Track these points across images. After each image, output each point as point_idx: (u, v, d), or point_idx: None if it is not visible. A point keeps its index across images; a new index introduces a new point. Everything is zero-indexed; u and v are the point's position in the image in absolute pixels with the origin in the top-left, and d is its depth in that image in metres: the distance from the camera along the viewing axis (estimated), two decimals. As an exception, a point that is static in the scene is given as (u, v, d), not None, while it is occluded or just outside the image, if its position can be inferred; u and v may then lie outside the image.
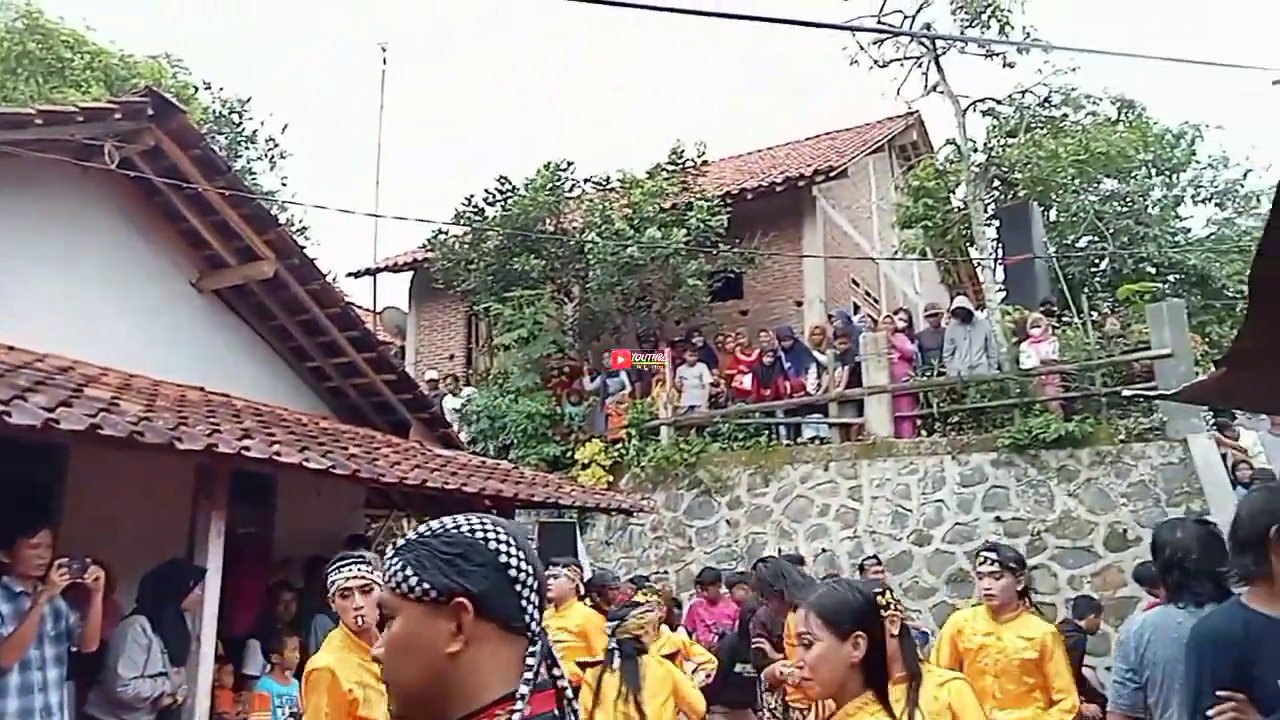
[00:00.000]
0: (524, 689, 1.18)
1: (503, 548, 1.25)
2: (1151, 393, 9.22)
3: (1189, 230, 18.13)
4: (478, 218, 13.91)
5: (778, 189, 14.03)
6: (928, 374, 11.18)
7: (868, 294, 16.31)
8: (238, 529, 6.43)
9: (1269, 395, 4.91)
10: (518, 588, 1.24)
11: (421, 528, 1.30)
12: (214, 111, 22.45)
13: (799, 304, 14.16)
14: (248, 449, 4.91)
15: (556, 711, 1.23)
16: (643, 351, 13.84)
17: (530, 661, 1.22)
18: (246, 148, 23.49)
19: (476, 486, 6.63)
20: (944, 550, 10.11)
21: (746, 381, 12.44)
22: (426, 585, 1.21)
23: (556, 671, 1.27)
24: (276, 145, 24.21)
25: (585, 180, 14.12)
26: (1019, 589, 4.14)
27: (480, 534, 1.26)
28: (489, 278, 13.63)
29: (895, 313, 12.65)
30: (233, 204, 7.39)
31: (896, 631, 3.20)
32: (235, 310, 8.16)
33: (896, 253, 16.05)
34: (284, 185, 24.62)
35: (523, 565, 1.25)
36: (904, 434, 11.03)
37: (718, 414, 12.32)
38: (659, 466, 11.96)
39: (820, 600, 2.30)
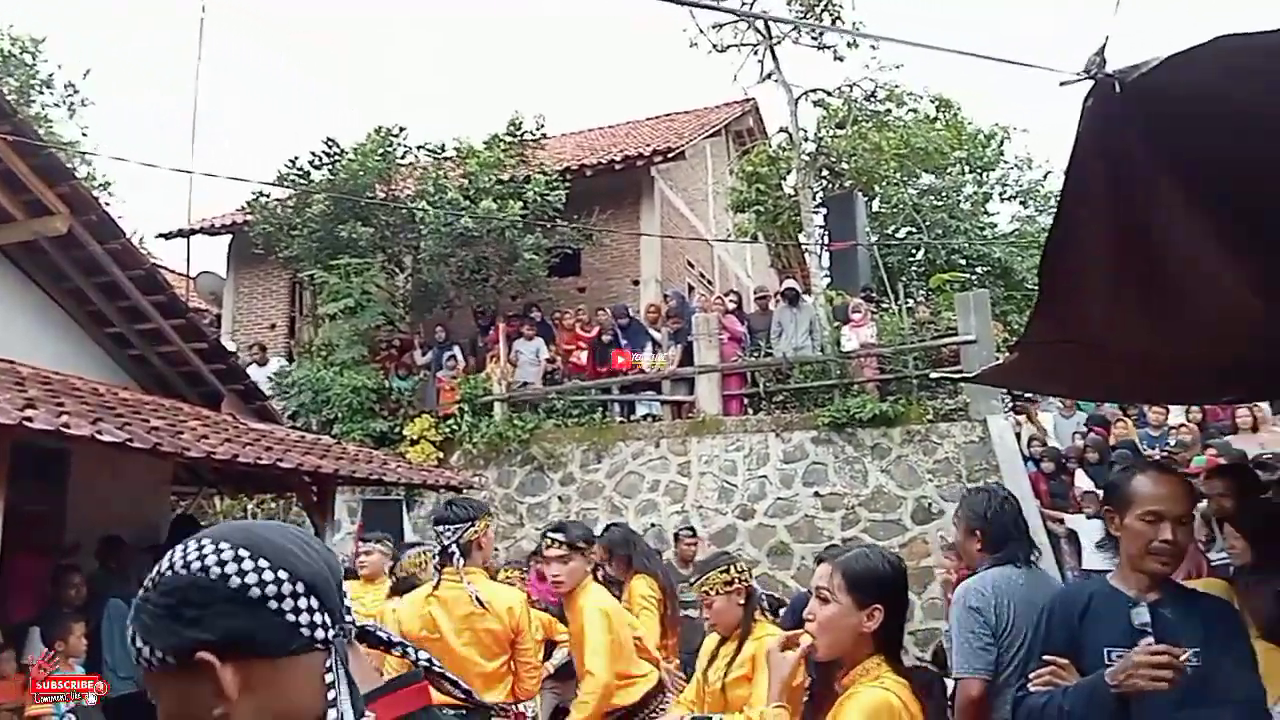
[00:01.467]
0: (332, 713, 0.99)
1: (232, 568, 1.00)
2: (956, 375, 9.87)
3: (996, 225, 19.54)
4: (303, 181, 13.23)
5: (617, 167, 14.08)
6: (756, 354, 11.54)
7: (702, 275, 16.66)
8: (23, 508, 5.87)
9: (1053, 379, 5.33)
10: (272, 605, 1.00)
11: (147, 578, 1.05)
12: (2, 51, 20.30)
13: (636, 283, 14.30)
14: (30, 420, 4.49)
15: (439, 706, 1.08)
16: (478, 326, 13.62)
17: (328, 678, 1.01)
18: (40, 92, 21.40)
19: (293, 462, 6.32)
20: (766, 524, 10.50)
21: (583, 358, 12.48)
22: (160, 653, 0.99)
23: (413, 653, 1.11)
24: (77, 91, 22.20)
25: (419, 148, 13.67)
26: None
27: (198, 564, 1.01)
28: (314, 244, 13.00)
29: (726, 294, 12.97)
30: (20, 152, 6.70)
31: (743, 601, 3.55)
32: (22, 269, 7.43)
33: (730, 236, 16.45)
34: (84, 136, 22.62)
35: (272, 576, 1.01)
36: (732, 412, 11.35)
37: (553, 390, 12.29)
38: (492, 443, 11.82)
39: (849, 562, 2.20)
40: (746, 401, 11.47)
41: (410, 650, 1.14)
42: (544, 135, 14.13)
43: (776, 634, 3.17)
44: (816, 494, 10.44)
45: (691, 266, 16.14)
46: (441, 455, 11.92)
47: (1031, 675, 2.40)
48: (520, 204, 12.38)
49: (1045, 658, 2.40)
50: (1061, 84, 1.92)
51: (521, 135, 13.65)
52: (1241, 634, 2.37)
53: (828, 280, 14.14)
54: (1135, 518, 2.35)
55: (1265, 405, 9.34)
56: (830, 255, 14.47)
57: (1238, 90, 1.87)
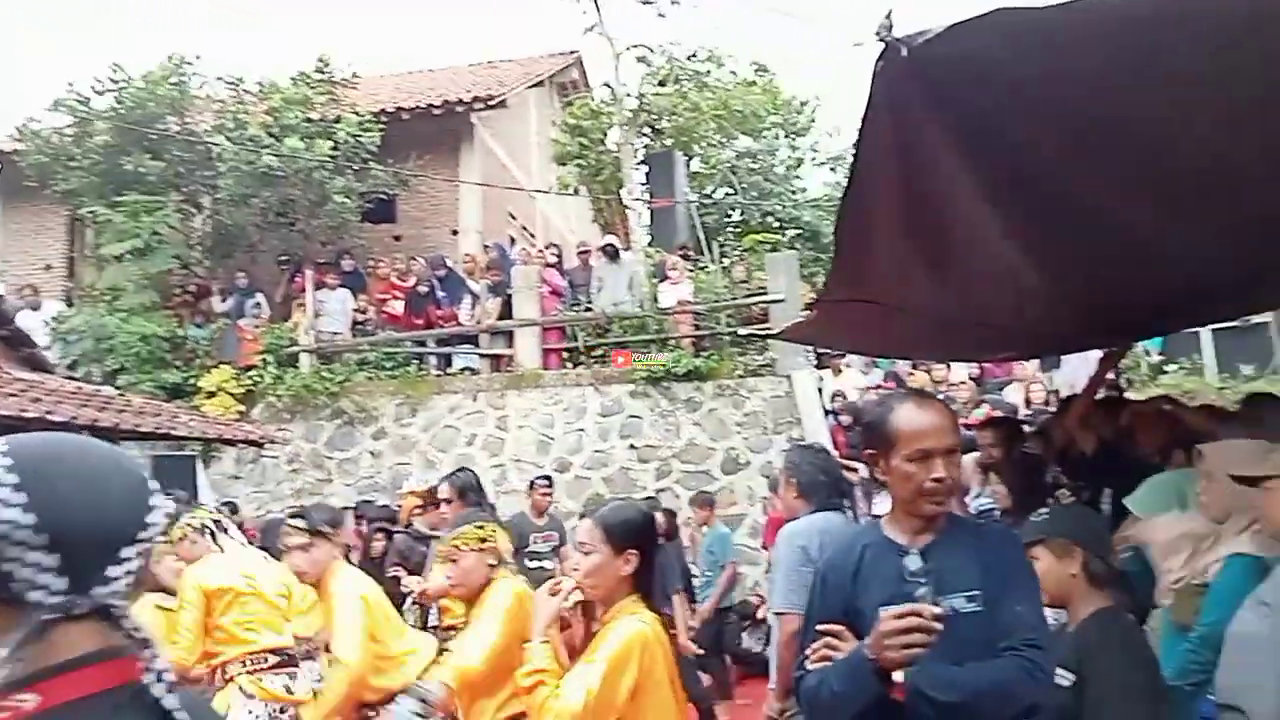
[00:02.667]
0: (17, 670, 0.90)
1: None
2: (764, 333, 10.27)
3: (806, 190, 20.28)
4: (83, 107, 12.00)
5: (436, 112, 13.61)
6: (576, 309, 11.55)
7: (524, 228, 16.45)
8: None
9: (850, 337, 5.64)
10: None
11: None
12: None
13: (455, 233, 13.95)
14: None
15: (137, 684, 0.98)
16: (284, 272, 12.90)
17: (16, 636, 0.92)
18: None
19: (65, 415, 5.79)
20: (582, 476, 10.62)
21: (398, 308, 12.09)
22: None
23: (129, 625, 1.01)
24: None
25: (218, 79, 12.68)
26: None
27: None
28: (96, 178, 11.85)
29: (547, 247, 12.89)
30: None
31: (493, 563, 3.36)
32: None
33: (552, 189, 16.31)
34: None
35: (13, 515, 0.93)
36: (551, 366, 11.35)
37: (365, 341, 11.85)
38: (298, 396, 11.29)
39: (605, 515, 2.47)
40: (565, 355, 11.49)
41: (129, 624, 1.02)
42: (356, 75, 13.44)
43: (517, 583, 3.35)
44: (632, 447, 10.63)
45: (513, 218, 15.90)
46: (243, 409, 11.28)
47: (808, 650, 2.13)
48: (330, 144, 11.76)
49: (819, 628, 2.13)
50: (855, 45, 1.99)
51: (330, 74, 12.91)
52: (1023, 562, 2.18)
53: (648, 237, 14.29)
54: (902, 459, 2.08)
55: (1034, 362, 10.27)
56: (651, 212, 14.63)
57: (1013, 62, 1.98)
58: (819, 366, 11.25)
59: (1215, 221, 2.71)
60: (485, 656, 3.03)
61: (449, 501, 4.86)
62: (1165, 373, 10.80)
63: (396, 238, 14.08)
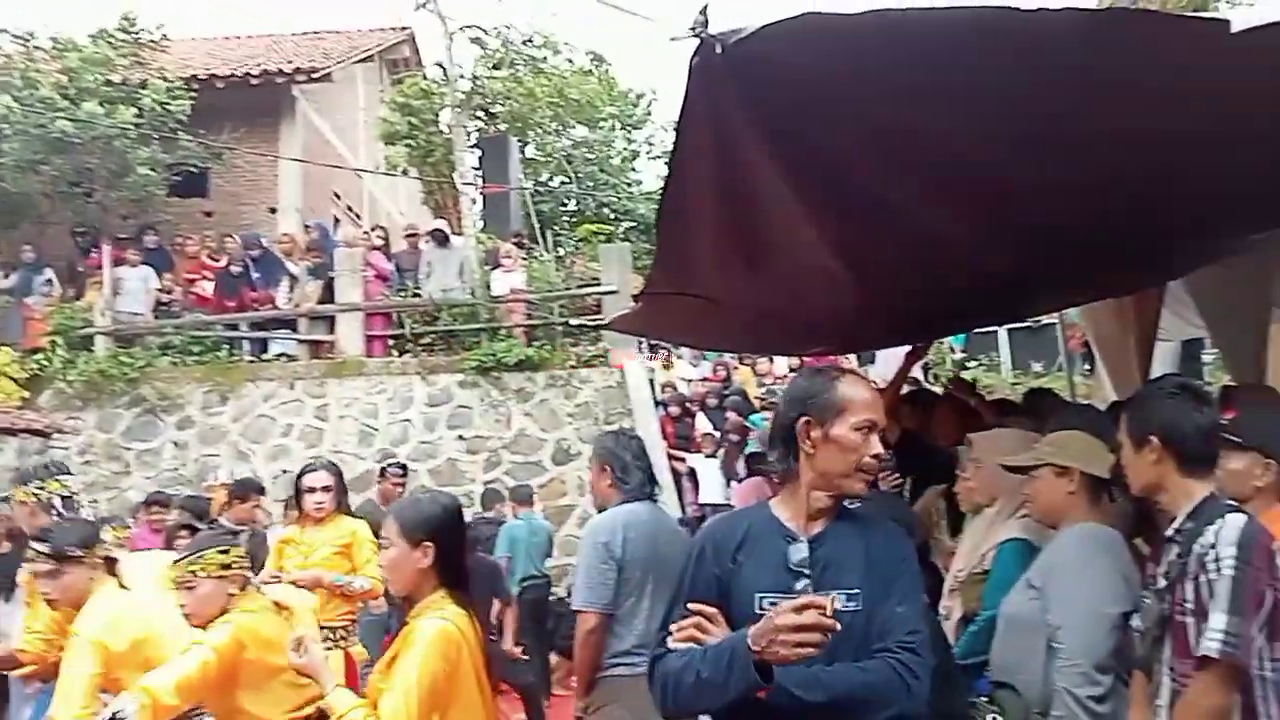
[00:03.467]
0: None
1: None
2: (596, 323, 10.31)
3: (641, 183, 20.56)
4: None
5: (254, 82, 12.88)
6: (403, 294, 11.20)
7: (350, 209, 15.81)
8: None
9: (677, 329, 5.71)
10: None
11: None
12: None
13: (273, 210, 13.24)
14: None
15: None
16: (78, 246, 11.85)
17: None
18: None
19: None
20: (408, 468, 10.31)
21: (208, 289, 11.34)
22: None
23: None
24: None
25: (3, 32, 11.50)
26: None
27: None
28: None
29: (373, 229, 12.42)
30: None
31: (235, 591, 3.01)
32: None
33: (379, 168, 15.76)
34: None
35: None
36: (375, 353, 10.95)
37: (170, 324, 11.06)
38: (92, 382, 10.40)
39: (401, 509, 2.54)
40: (391, 343, 11.12)
41: None
42: (165, 37, 12.49)
43: (264, 604, 3.08)
44: (461, 437, 10.42)
45: (338, 198, 15.25)
46: (27, 395, 10.28)
47: (673, 628, 1.99)
48: (134, 111, 10.88)
49: (690, 607, 1.99)
50: (671, 39, 1.98)
51: (136, 34, 11.94)
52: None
53: (480, 223, 14.05)
54: (850, 428, 2.00)
55: (853, 357, 10.79)
56: (483, 198, 14.38)
57: (823, 67, 2.03)
58: (651, 357, 11.41)
59: (1008, 230, 2.89)
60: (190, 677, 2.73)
61: (321, 489, 4.48)
62: (967, 368, 11.61)
63: (208, 214, 13.22)
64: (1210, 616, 2.05)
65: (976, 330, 11.41)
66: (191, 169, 12.12)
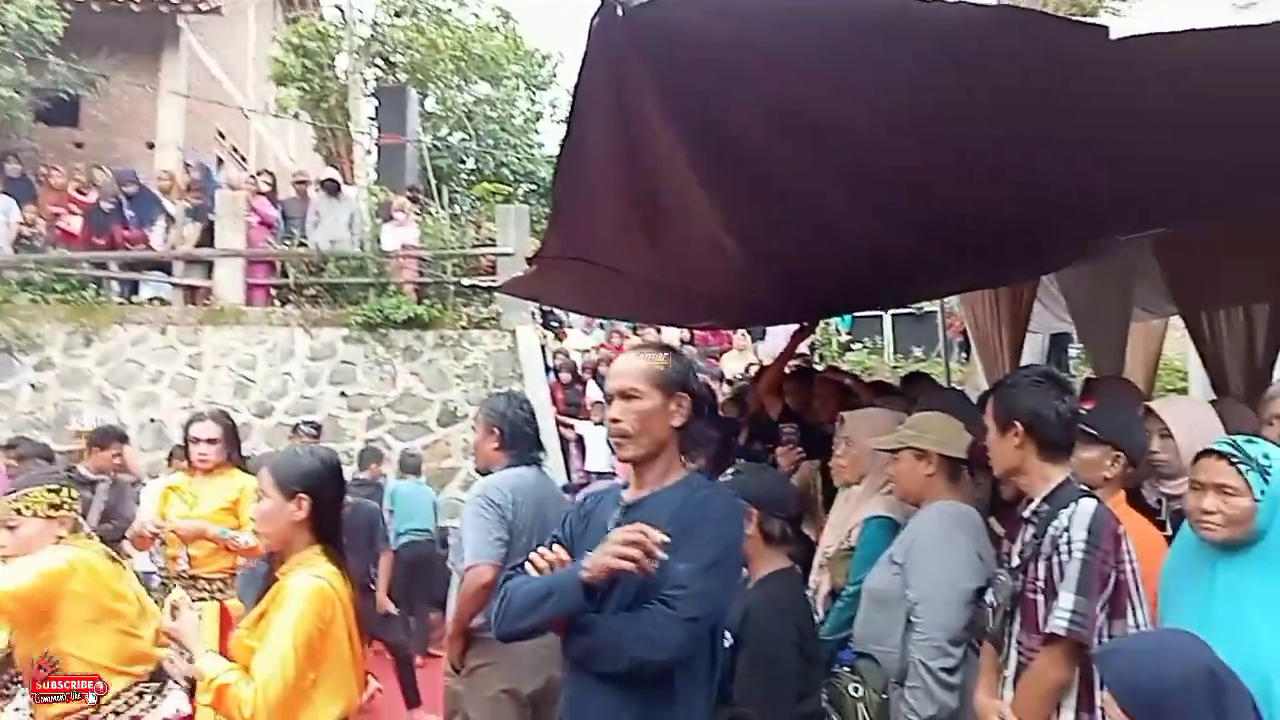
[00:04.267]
0: None
1: None
2: (489, 285, 10.15)
3: (544, 146, 20.26)
4: None
5: (136, 7, 12.11)
6: (288, 243, 10.77)
7: (234, 149, 15.08)
8: None
9: (571, 295, 5.68)
10: None
11: None
12: None
13: (151, 145, 12.54)
14: None
15: None
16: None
17: None
18: None
19: None
20: (285, 423, 9.94)
21: (75, 225, 10.66)
22: None
23: None
24: None
25: None
26: None
27: None
28: None
29: (259, 174, 11.88)
30: None
31: (64, 534, 2.88)
32: None
33: (269, 109, 15.07)
34: None
35: None
36: (256, 302, 10.53)
37: (31, 259, 10.36)
38: (-62, 317, 9.67)
39: (276, 461, 2.49)
40: (274, 293, 10.70)
41: None
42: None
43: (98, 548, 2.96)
44: (343, 394, 10.14)
45: (222, 138, 14.52)
46: None
47: (533, 555, 2.15)
48: (-2, 28, 10.10)
49: (540, 549, 2.14)
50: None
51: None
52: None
53: (374, 175, 13.61)
54: (608, 395, 2.17)
55: (743, 331, 10.97)
56: (378, 149, 13.93)
57: (727, 40, 2.02)
58: (545, 325, 11.31)
59: (897, 216, 2.96)
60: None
61: (206, 441, 4.24)
62: (852, 350, 11.95)
63: (78, 144, 12.44)
64: (1059, 596, 2.18)
65: (862, 314, 11.76)
66: (62, 95, 11.35)
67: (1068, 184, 2.55)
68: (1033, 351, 6.72)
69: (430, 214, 11.93)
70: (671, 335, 10.97)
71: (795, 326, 5.36)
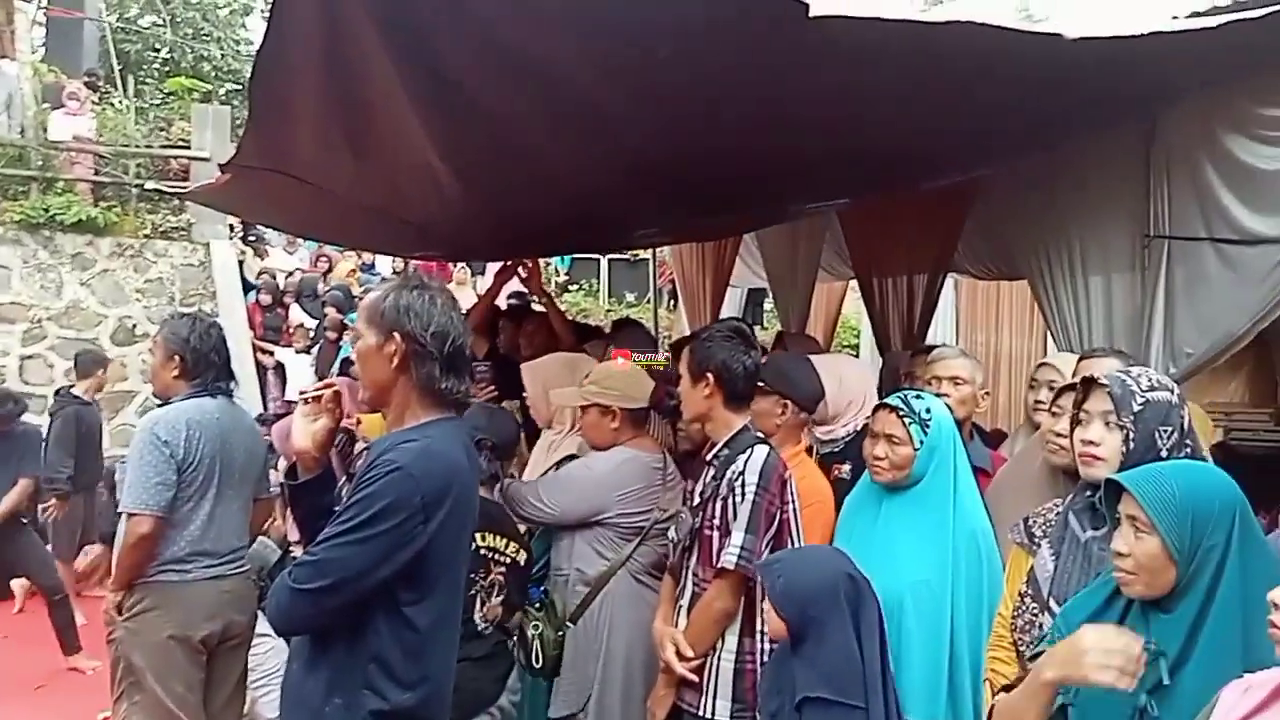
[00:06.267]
0: None
1: None
2: (177, 190, 9.19)
3: (252, 43, 18.44)
4: None
5: None
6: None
7: None
8: None
9: (269, 210, 5.27)
10: None
11: None
12: None
13: None
14: None
15: None
16: None
17: None
18: None
19: None
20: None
21: None
22: None
23: None
24: None
25: None
26: None
27: None
28: None
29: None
30: None
31: None
32: None
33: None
34: None
35: None
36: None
37: None
38: None
39: None
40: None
41: None
42: None
43: None
44: (-7, 302, 8.81)
45: None
46: None
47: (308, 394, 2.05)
48: None
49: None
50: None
51: None
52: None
53: (40, 52, 11.77)
54: None
55: (462, 265, 10.76)
56: (48, 22, 12.05)
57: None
58: (245, 240, 10.44)
59: (610, 160, 3.00)
60: None
61: None
62: (569, 291, 12.14)
63: None
64: (731, 533, 2.38)
65: (580, 255, 11.96)
66: None
67: (763, 148, 2.71)
68: (732, 303, 7.16)
69: (113, 105, 10.55)
70: (384, 265, 10.58)
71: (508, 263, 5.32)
